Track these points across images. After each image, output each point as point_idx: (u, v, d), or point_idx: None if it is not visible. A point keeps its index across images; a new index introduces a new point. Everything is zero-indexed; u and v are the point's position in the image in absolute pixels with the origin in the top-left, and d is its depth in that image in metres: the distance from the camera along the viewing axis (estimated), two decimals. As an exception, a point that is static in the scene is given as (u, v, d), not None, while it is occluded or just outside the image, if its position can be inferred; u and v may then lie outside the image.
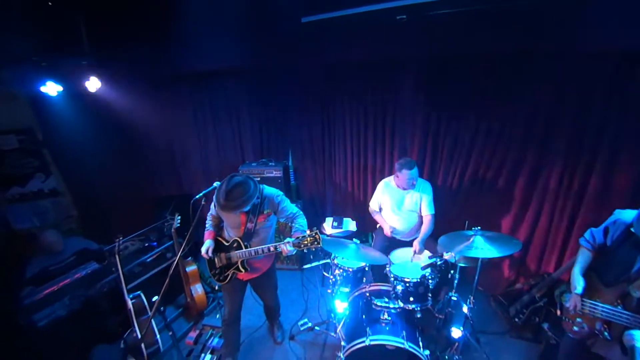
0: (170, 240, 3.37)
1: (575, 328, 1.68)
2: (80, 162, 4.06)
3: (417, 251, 2.85)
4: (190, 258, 3.40)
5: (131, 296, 2.79)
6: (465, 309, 2.51)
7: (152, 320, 2.80)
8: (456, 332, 2.53)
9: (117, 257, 2.71)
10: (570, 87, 2.53)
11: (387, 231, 3.13)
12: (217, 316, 3.36)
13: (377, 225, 3.34)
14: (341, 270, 2.74)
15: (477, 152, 3.11)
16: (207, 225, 2.49)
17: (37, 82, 3.08)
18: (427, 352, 2.17)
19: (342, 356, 2.27)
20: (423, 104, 3.18)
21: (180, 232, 2.95)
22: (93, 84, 3.29)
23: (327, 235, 3.44)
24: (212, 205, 2.47)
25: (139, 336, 2.73)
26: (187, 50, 3.12)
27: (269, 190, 2.34)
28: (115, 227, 2.81)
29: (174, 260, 2.12)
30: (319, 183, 3.99)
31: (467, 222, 2.41)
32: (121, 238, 2.76)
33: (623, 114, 2.36)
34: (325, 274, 3.43)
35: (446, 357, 2.57)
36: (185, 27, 2.88)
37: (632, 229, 1.47)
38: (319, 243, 2.01)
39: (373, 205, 3.27)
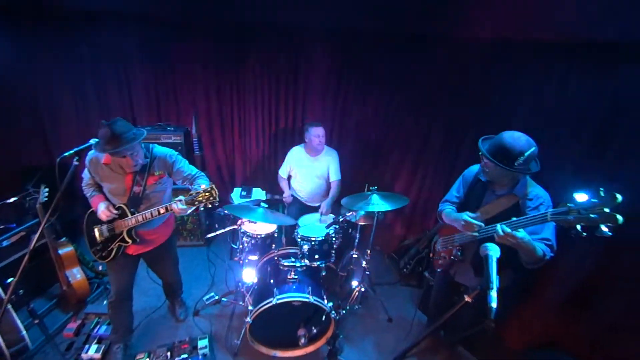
0: (35, 218, 2.75)
1: (440, 262, 2.10)
2: None
3: (323, 212, 2.99)
4: (64, 239, 2.84)
5: (-23, 289, 2.19)
6: (364, 263, 2.78)
7: (15, 315, 2.27)
8: (355, 285, 2.79)
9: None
10: (449, 71, 2.91)
11: (285, 197, 3.25)
12: (105, 302, 2.91)
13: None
14: (249, 238, 2.69)
15: (379, 123, 3.40)
16: (89, 194, 2.10)
17: None
18: (330, 303, 2.34)
19: (249, 320, 2.26)
20: (334, 73, 3.27)
21: (48, 208, 2.42)
22: None
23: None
24: (85, 172, 2.07)
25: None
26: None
27: (159, 149, 2.09)
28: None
29: (37, 234, 1.72)
30: (228, 152, 3.77)
31: (367, 184, 2.62)
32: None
33: (490, 95, 2.83)
34: (233, 245, 3.32)
35: (347, 307, 2.83)
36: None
37: (479, 177, 1.93)
38: (215, 198, 1.83)
39: (282, 172, 3.29)
